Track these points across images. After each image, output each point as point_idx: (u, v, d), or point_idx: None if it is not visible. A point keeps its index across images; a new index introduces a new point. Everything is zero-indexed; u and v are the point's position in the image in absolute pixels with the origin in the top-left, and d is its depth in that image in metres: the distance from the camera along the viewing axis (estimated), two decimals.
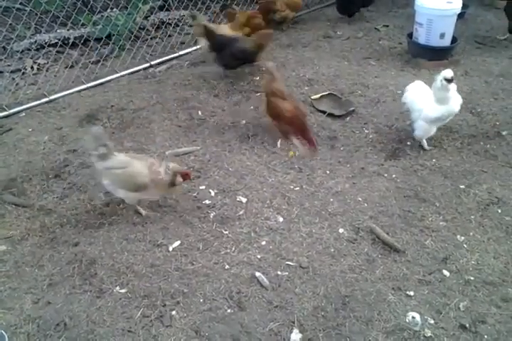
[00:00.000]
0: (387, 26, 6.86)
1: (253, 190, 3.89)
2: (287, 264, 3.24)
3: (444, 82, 3.93)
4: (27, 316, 2.94)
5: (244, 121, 4.78)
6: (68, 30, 6.15)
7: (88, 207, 3.75)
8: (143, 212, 3.65)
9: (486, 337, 2.77)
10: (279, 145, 4.42)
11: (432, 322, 2.86)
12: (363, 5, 6.96)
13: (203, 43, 5.58)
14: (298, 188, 3.90)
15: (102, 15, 6.22)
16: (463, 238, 3.40)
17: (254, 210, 3.69)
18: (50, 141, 4.55)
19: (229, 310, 2.95)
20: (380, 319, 2.88)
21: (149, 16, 6.80)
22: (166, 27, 6.53)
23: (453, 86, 4.01)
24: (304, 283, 3.11)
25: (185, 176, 3.55)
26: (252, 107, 5.00)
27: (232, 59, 5.23)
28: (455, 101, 4.08)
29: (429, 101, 4.08)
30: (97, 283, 3.13)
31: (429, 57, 5.73)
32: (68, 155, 4.33)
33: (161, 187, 3.48)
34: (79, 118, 4.86)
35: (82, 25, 6.09)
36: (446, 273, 3.15)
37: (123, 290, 3.09)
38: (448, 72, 3.94)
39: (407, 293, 3.03)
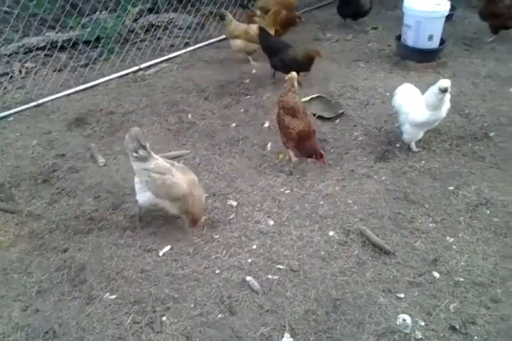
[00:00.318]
0: (376, 28, 6.89)
1: (243, 194, 3.88)
2: (278, 268, 3.24)
3: (439, 92, 3.90)
4: (15, 324, 2.91)
5: (234, 124, 4.78)
6: (57, 33, 6.12)
7: (77, 213, 3.73)
8: (138, 223, 3.61)
9: (475, 338, 2.78)
10: (269, 148, 4.42)
11: (423, 324, 2.87)
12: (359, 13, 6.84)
13: (239, 43, 5.74)
14: (288, 191, 3.90)
15: (90, 18, 6.19)
16: (452, 239, 3.42)
17: (245, 214, 3.69)
18: (39, 146, 4.52)
19: (220, 315, 2.94)
20: (371, 322, 2.88)
21: (138, 19, 6.78)
22: (155, 30, 6.53)
23: (447, 95, 3.98)
24: (295, 287, 3.11)
25: (195, 223, 3.47)
26: (242, 110, 5.00)
27: (283, 65, 5.19)
28: (444, 108, 4.08)
29: (417, 105, 4.08)
30: (87, 290, 3.11)
31: (417, 59, 5.75)
32: (57, 160, 4.30)
33: (184, 204, 3.37)
34: (68, 122, 4.84)
35: (71, 28, 6.08)
36: (436, 274, 3.17)
37: (113, 297, 3.07)
38: (444, 83, 3.90)
39: (398, 295, 3.04)
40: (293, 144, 4.02)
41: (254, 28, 5.65)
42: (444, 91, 3.88)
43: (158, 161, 3.35)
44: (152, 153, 3.35)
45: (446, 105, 4.08)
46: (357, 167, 4.14)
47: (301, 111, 4.03)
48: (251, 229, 3.54)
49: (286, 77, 4.12)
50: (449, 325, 2.85)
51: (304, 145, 3.98)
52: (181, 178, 3.33)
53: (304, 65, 5.14)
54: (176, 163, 3.49)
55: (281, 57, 5.18)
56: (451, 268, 3.20)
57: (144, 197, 3.45)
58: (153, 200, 3.43)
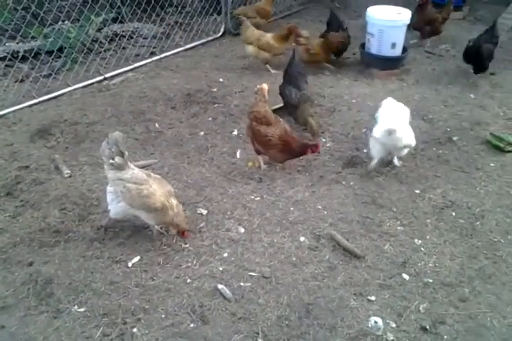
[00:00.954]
0: None
1: (213, 202, 3.86)
2: (250, 275, 3.23)
3: (386, 134, 3.82)
4: None
5: (202, 133, 4.76)
6: (18, 43, 5.99)
7: (42, 225, 3.63)
8: (104, 222, 3.54)
9: (445, 337, 2.82)
10: (238, 155, 4.42)
11: (394, 325, 2.89)
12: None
13: (250, 49, 5.83)
14: (258, 198, 3.90)
15: (53, 28, 6.08)
16: (420, 241, 3.48)
17: (215, 222, 3.66)
18: (1, 158, 4.38)
19: (192, 325, 2.90)
20: (344, 325, 2.89)
21: (102, 28, 6.71)
22: (119, 39, 6.46)
23: (403, 124, 3.89)
24: (267, 293, 3.10)
25: (183, 234, 3.43)
26: (210, 118, 4.99)
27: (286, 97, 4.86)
28: (406, 137, 3.92)
29: (384, 122, 3.93)
30: (54, 303, 3.02)
31: (381, 66, 5.89)
32: (20, 172, 4.19)
33: (162, 217, 3.30)
34: (30, 134, 4.72)
35: (33, 38, 5.94)
36: (405, 276, 3.21)
37: (81, 309, 2.99)
38: (388, 126, 3.81)
39: (369, 298, 3.06)
40: (277, 150, 4.04)
41: (267, 37, 5.77)
42: (390, 134, 3.80)
43: (135, 171, 3.28)
44: (129, 162, 3.29)
45: (406, 134, 3.92)
46: (325, 173, 4.18)
47: (273, 118, 4.08)
48: (222, 237, 3.52)
49: (256, 89, 4.13)
50: (420, 325, 2.89)
51: (293, 147, 4.02)
52: (158, 189, 3.27)
53: (295, 111, 4.73)
54: (152, 173, 3.43)
55: (290, 88, 4.78)
56: (420, 270, 3.25)
57: (117, 208, 3.37)
58: (127, 211, 3.36)
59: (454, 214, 3.72)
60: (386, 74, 5.83)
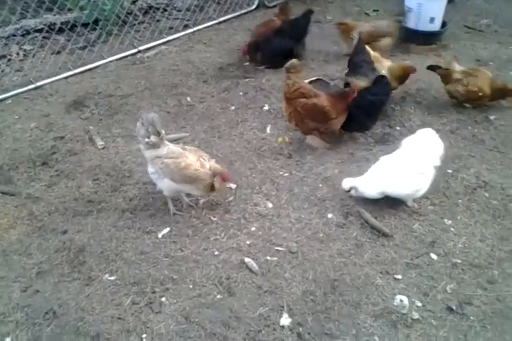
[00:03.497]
0: (378, 11, 6.81)
1: (242, 176, 3.88)
2: (276, 249, 3.25)
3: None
4: (15, 305, 2.93)
5: (233, 107, 4.75)
6: (54, 15, 6.05)
7: (76, 195, 3.73)
8: (172, 208, 3.53)
9: (472, 318, 2.81)
10: (268, 131, 4.40)
11: (420, 304, 2.89)
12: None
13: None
14: (287, 174, 3.90)
15: (88, 0, 6.10)
16: (450, 222, 3.43)
17: (244, 196, 3.69)
18: (37, 128, 4.50)
19: (218, 296, 2.96)
20: (369, 302, 2.90)
21: (137, 1, 6.70)
22: (154, 12, 6.45)
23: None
24: (293, 268, 3.12)
25: (225, 178, 3.39)
26: (241, 93, 4.97)
27: None
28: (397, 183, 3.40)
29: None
30: (86, 271, 3.13)
31: (418, 41, 5.71)
32: (56, 143, 4.29)
33: (203, 183, 3.31)
34: (66, 105, 4.81)
35: (69, 10, 5.99)
36: (433, 256, 3.18)
37: (112, 278, 3.09)
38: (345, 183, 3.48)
39: (395, 276, 3.06)
40: (338, 118, 3.99)
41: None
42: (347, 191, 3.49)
43: (170, 146, 3.32)
44: (164, 139, 3.31)
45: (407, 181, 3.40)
46: (356, 150, 4.13)
47: (312, 90, 4.03)
48: (250, 212, 3.55)
49: (287, 65, 4.00)
50: (446, 305, 2.88)
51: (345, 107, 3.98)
52: (194, 159, 3.29)
53: None
54: (186, 146, 3.45)
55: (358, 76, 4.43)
56: (448, 250, 3.22)
57: (163, 184, 3.38)
58: (173, 186, 3.37)
59: (486, 195, 3.64)
60: (423, 50, 5.65)
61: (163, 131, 3.29)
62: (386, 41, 5.40)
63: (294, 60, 4.03)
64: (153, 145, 3.28)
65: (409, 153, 3.47)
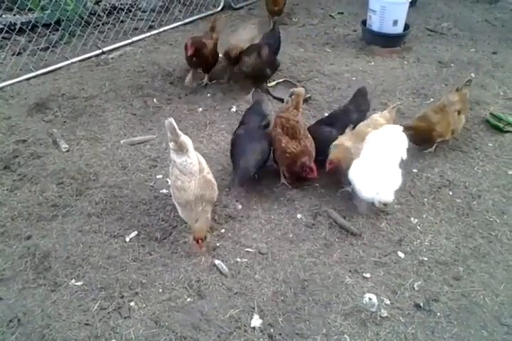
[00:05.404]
0: (342, 13, 6.91)
1: None
2: (246, 251, 3.25)
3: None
4: None
5: (200, 109, 4.72)
6: (14, 15, 5.89)
7: (40, 199, 3.63)
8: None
9: (438, 314, 2.86)
10: None
11: (388, 302, 2.93)
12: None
13: None
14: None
15: (50, 0, 5.96)
16: (416, 220, 3.50)
17: None
18: None
19: (189, 299, 2.94)
20: (338, 301, 2.93)
21: (100, 1, 6.59)
22: (118, 12, 6.34)
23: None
24: (264, 269, 3.13)
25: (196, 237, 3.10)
26: (208, 95, 4.95)
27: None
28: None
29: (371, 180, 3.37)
30: (52, 277, 3.05)
31: (382, 44, 5.82)
32: (18, 146, 4.17)
33: (184, 216, 3.21)
34: (28, 107, 4.68)
35: (30, 10, 5.84)
36: (401, 254, 3.23)
37: (79, 283, 3.02)
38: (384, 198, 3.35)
39: (364, 275, 3.09)
40: (283, 167, 3.66)
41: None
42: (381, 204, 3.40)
43: (189, 160, 3.14)
44: (187, 149, 3.15)
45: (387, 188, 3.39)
46: None
47: (301, 132, 3.58)
48: (219, 213, 3.53)
49: (290, 91, 3.74)
50: (414, 302, 2.93)
51: (294, 168, 3.56)
52: (194, 189, 3.11)
53: None
54: (208, 172, 3.26)
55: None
56: (415, 248, 3.28)
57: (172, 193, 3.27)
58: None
59: (451, 193, 3.73)
60: (387, 52, 5.76)
61: (181, 137, 3.13)
62: None
63: (299, 89, 3.74)
64: (176, 150, 3.15)
65: (381, 151, 3.40)
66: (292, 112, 3.68)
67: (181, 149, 3.14)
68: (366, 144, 3.45)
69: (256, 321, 2.81)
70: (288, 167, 3.62)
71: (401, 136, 3.50)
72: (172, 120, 3.10)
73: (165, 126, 3.14)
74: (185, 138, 3.18)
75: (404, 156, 3.49)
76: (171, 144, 3.16)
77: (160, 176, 3.87)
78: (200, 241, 3.07)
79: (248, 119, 3.91)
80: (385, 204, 3.46)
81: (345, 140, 3.62)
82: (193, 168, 3.15)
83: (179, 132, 3.14)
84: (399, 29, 5.82)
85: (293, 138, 3.56)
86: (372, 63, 5.58)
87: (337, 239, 3.34)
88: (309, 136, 3.64)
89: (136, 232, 3.37)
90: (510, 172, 3.95)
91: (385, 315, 2.86)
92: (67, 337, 2.71)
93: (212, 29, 5.13)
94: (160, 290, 2.98)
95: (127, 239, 3.32)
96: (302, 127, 3.63)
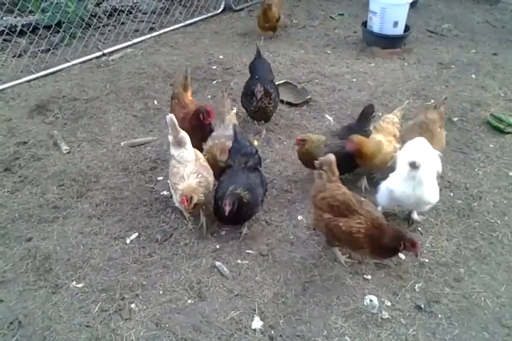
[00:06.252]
0: (343, 15, 6.92)
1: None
2: (247, 252, 3.25)
3: (409, 169, 3.14)
4: None
5: None
6: (15, 17, 5.87)
7: (41, 201, 3.63)
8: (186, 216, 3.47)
9: (439, 316, 2.86)
10: None
11: (389, 304, 2.93)
12: None
13: None
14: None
15: (51, 2, 5.97)
16: None
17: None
18: None
19: (189, 301, 2.93)
20: (339, 303, 2.92)
21: (101, 3, 6.60)
22: (118, 14, 6.36)
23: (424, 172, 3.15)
24: (264, 271, 3.12)
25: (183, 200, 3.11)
26: (209, 96, 4.95)
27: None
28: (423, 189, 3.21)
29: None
30: (52, 279, 3.05)
31: (383, 45, 5.82)
32: (18, 148, 4.17)
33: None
34: (29, 109, 4.69)
35: (30, 12, 5.85)
36: (401, 256, 3.22)
37: (80, 285, 3.01)
38: (413, 157, 3.13)
39: (365, 276, 3.09)
40: (368, 250, 2.93)
41: None
42: (414, 167, 3.10)
43: (186, 151, 3.30)
44: (185, 143, 3.31)
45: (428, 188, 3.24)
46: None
47: (355, 203, 2.93)
48: None
49: (317, 162, 3.12)
50: (415, 304, 2.92)
51: (384, 244, 2.86)
52: (190, 173, 3.20)
53: None
54: (203, 161, 3.38)
55: None
56: None
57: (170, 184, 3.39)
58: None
59: (451, 194, 3.73)
60: (388, 53, 5.77)
61: (181, 133, 3.31)
62: None
63: (330, 156, 3.08)
64: (174, 144, 3.32)
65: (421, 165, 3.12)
66: (332, 186, 3.03)
67: (180, 143, 3.31)
68: (401, 158, 3.29)
69: (257, 323, 2.81)
70: (373, 248, 2.91)
71: (432, 149, 3.35)
72: (173, 116, 3.30)
73: (166, 121, 3.29)
74: (184, 134, 3.35)
75: (440, 169, 3.38)
76: (171, 138, 3.32)
77: (160, 178, 3.87)
78: (185, 197, 3.04)
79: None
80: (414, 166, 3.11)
81: (377, 136, 3.62)
82: (188, 157, 3.30)
83: (179, 128, 3.31)
84: (399, 30, 5.82)
85: (350, 215, 2.91)
86: (373, 64, 5.58)
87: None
88: (362, 199, 3.01)
89: (136, 234, 3.37)
90: (511, 173, 3.94)
91: (386, 316, 2.85)
92: (68, 339, 2.71)
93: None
94: (160, 292, 2.98)
95: (128, 241, 3.31)
96: (351, 194, 3.00)
